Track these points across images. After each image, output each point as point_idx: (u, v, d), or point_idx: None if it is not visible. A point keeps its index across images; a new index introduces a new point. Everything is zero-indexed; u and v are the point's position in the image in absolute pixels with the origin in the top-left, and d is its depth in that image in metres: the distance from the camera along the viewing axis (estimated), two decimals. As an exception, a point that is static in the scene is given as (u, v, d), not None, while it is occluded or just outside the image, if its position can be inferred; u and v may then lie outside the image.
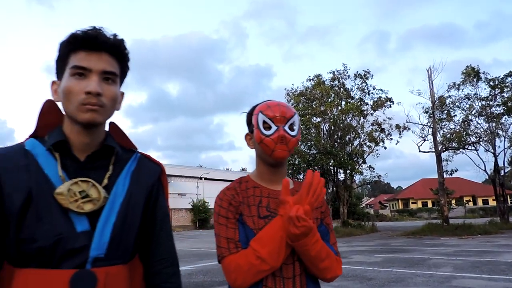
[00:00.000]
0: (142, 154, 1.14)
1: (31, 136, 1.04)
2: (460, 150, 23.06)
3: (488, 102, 22.91)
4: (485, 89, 23.18)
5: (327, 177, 23.71)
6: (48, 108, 1.06)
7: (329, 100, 23.64)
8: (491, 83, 22.63)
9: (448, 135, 22.70)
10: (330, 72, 24.87)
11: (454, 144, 22.68)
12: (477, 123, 23.34)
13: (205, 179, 43.31)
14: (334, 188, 24.52)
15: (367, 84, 24.53)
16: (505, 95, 22.34)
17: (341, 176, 24.67)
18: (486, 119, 23.06)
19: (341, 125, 23.50)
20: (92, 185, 0.96)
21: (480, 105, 23.11)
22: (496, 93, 22.65)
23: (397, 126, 23.55)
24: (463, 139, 22.42)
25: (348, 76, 24.72)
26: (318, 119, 23.51)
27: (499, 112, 22.65)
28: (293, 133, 1.30)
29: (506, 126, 23.00)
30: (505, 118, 22.71)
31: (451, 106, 23.20)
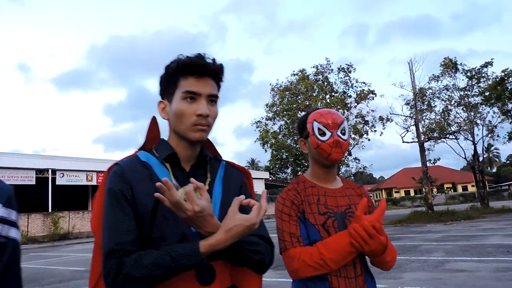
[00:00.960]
0: (227, 161, 1.30)
1: (140, 149, 1.19)
2: (442, 139, 23.82)
3: (466, 92, 23.71)
4: (463, 79, 23.94)
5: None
6: (153, 124, 1.22)
7: (314, 94, 23.98)
8: (468, 74, 23.42)
9: (430, 126, 23.41)
10: (313, 67, 25.16)
11: (435, 134, 23.41)
12: (456, 112, 24.16)
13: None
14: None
15: (350, 78, 24.95)
16: (482, 85, 23.17)
17: (328, 168, 25.06)
18: (464, 109, 23.87)
19: (326, 119, 23.86)
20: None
21: (458, 95, 23.90)
22: (473, 83, 23.46)
23: (381, 118, 24.06)
24: (444, 129, 23.17)
25: (332, 70, 25.07)
26: (303, 113, 23.84)
27: (476, 102, 23.49)
28: (344, 137, 1.48)
29: (484, 115, 23.89)
30: (483, 107, 23.57)
31: (431, 97, 23.90)
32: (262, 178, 36.01)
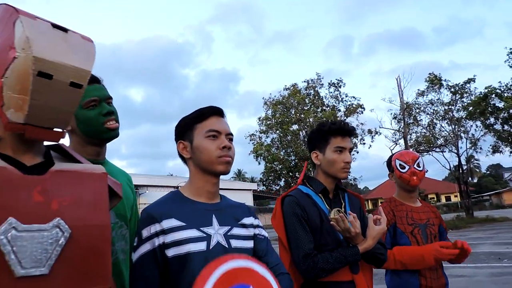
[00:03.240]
0: (348, 191, 1.85)
1: (298, 184, 1.74)
2: (429, 152, 24.87)
3: (450, 107, 24.89)
4: (447, 94, 25.13)
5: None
6: (305, 168, 1.76)
7: (305, 108, 24.79)
8: (452, 89, 24.62)
9: (418, 139, 24.45)
10: (304, 81, 26.07)
11: (423, 147, 24.44)
12: (441, 126, 25.30)
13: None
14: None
15: (340, 92, 25.90)
16: (465, 100, 24.39)
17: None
18: (449, 123, 25.03)
19: (318, 132, 24.62)
20: (341, 212, 1.67)
21: (443, 109, 25.07)
22: (457, 98, 24.66)
23: (369, 131, 25.01)
24: (431, 142, 24.22)
25: (322, 84, 25.98)
26: (295, 127, 24.60)
27: (460, 116, 24.68)
28: (420, 169, 2.07)
29: (467, 128, 25.09)
30: (466, 121, 24.76)
31: (417, 111, 25.01)
32: (250, 190, 36.12)
